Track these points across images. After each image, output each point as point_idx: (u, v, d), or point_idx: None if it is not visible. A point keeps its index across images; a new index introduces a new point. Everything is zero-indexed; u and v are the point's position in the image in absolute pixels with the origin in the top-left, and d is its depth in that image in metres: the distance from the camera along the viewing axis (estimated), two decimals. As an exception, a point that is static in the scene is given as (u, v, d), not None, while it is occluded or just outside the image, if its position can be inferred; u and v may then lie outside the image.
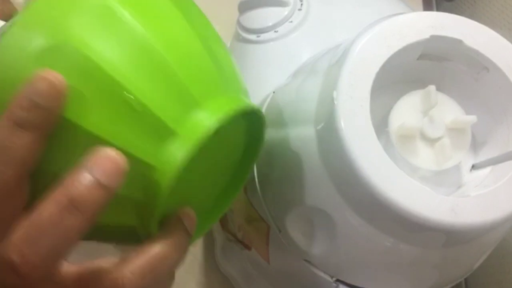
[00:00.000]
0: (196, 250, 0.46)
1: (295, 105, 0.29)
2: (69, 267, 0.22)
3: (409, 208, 0.22)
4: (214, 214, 0.27)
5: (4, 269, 0.18)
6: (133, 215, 0.22)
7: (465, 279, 0.46)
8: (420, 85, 0.26)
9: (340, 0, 0.40)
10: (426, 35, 0.24)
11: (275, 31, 0.38)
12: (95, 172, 0.18)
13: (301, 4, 0.38)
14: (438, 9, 0.59)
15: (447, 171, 0.25)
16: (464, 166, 0.26)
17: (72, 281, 0.21)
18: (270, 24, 0.38)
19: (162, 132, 0.20)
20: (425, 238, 0.24)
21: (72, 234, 0.18)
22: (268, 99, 0.33)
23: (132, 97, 0.20)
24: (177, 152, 0.20)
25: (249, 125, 0.26)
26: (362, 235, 0.25)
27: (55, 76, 0.19)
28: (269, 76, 0.37)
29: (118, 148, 0.19)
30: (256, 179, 0.30)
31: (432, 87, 0.25)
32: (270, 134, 0.31)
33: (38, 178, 0.20)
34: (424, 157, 0.25)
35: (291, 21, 0.38)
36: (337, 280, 0.28)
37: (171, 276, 0.24)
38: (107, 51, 0.20)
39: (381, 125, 0.26)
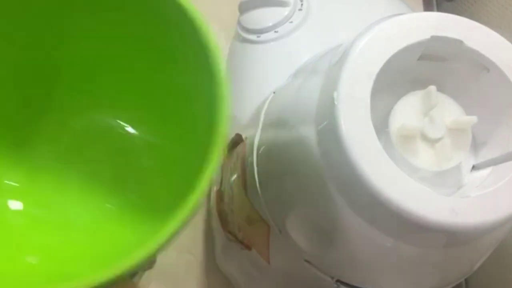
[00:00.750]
0: (196, 250, 0.46)
1: (296, 105, 0.29)
2: None
3: (409, 208, 0.22)
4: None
5: None
6: None
7: (466, 280, 0.46)
8: (420, 86, 0.26)
9: (341, 0, 0.40)
10: (426, 35, 0.24)
11: (275, 31, 0.38)
12: None
13: (302, 4, 0.38)
14: (438, 10, 0.59)
15: (447, 172, 0.25)
16: (465, 166, 0.26)
17: None
18: (270, 24, 0.38)
19: None
20: (425, 238, 0.24)
21: None
22: (268, 100, 0.33)
23: None
24: None
25: None
26: (362, 235, 0.25)
27: None
28: (270, 76, 0.37)
29: None
30: (257, 179, 0.30)
31: (432, 88, 0.25)
32: (270, 134, 0.31)
33: None
34: (425, 157, 0.25)
35: (292, 21, 0.38)
36: (338, 281, 0.28)
37: None
38: None
39: (381, 125, 0.26)
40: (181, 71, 0.28)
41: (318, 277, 0.29)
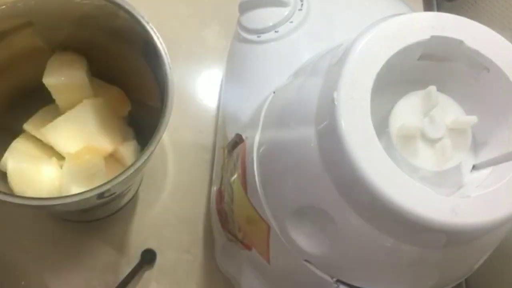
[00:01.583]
0: (196, 250, 0.46)
1: (296, 105, 0.29)
2: None
3: (410, 208, 0.22)
4: None
5: None
6: None
7: (466, 280, 0.46)
8: (420, 86, 0.26)
9: (341, 0, 0.40)
10: (426, 35, 0.24)
11: (275, 31, 0.38)
12: None
13: (302, 4, 0.38)
14: (438, 10, 0.59)
15: (447, 172, 0.25)
16: (465, 166, 0.26)
17: None
18: (271, 24, 0.38)
19: None
20: (426, 238, 0.24)
21: None
22: (269, 99, 0.33)
23: None
24: None
25: None
26: (362, 235, 0.25)
27: None
28: (270, 76, 0.37)
29: None
30: (257, 179, 0.30)
31: (432, 88, 0.25)
32: (271, 134, 0.31)
33: None
34: (425, 157, 0.25)
35: (292, 21, 0.38)
36: (338, 281, 0.28)
37: None
38: None
39: (381, 125, 0.26)
40: None
41: (318, 277, 0.29)
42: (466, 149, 0.25)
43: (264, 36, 0.38)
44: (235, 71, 0.43)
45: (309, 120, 0.26)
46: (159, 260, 0.45)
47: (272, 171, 0.30)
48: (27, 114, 0.42)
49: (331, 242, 0.26)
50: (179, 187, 0.48)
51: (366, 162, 0.22)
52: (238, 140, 0.36)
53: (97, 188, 0.31)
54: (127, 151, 0.41)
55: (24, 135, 0.41)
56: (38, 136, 0.41)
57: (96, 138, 0.40)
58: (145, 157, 0.33)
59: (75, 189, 0.37)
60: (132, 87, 0.43)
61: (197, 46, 0.54)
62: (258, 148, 0.31)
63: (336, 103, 0.23)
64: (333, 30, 0.37)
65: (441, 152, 0.24)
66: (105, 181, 0.32)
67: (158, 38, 0.35)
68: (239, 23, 0.41)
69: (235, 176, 0.35)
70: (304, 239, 0.28)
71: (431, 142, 0.25)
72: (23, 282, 0.43)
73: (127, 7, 0.36)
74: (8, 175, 0.39)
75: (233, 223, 0.37)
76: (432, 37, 0.24)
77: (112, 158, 0.41)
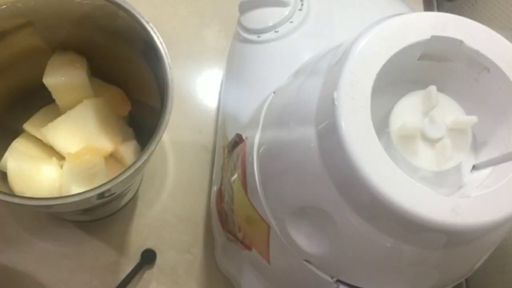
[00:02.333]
0: (196, 250, 0.46)
1: (296, 105, 0.29)
2: None
3: (410, 208, 0.22)
4: None
5: None
6: None
7: (466, 280, 0.46)
8: (420, 86, 0.26)
9: (341, 0, 0.40)
10: (426, 35, 0.24)
11: (275, 31, 0.38)
12: None
13: (302, 4, 0.38)
14: (438, 10, 0.59)
15: (447, 172, 0.25)
16: (465, 166, 0.26)
17: None
18: (271, 24, 0.38)
19: None
20: (426, 238, 0.24)
21: None
22: (269, 99, 0.33)
23: None
24: None
25: None
26: (362, 235, 0.25)
27: None
28: (270, 76, 0.37)
29: None
30: (257, 179, 0.30)
31: (432, 88, 0.25)
32: (271, 134, 0.31)
33: None
34: (425, 157, 0.25)
35: (292, 21, 0.38)
36: (338, 281, 0.28)
37: None
38: None
39: (381, 125, 0.26)
40: None
41: (318, 277, 0.29)
42: (466, 149, 0.25)
43: (264, 36, 0.38)
44: (235, 71, 0.43)
45: (309, 120, 0.26)
46: (159, 260, 0.45)
47: (272, 171, 0.30)
48: (27, 114, 0.42)
49: (331, 242, 0.26)
50: (179, 187, 0.48)
51: (366, 162, 0.22)
52: (238, 140, 0.36)
53: (97, 188, 0.31)
54: (127, 151, 0.41)
55: (24, 135, 0.41)
56: (38, 136, 0.41)
57: (96, 138, 0.40)
58: (145, 157, 0.33)
59: (75, 189, 0.37)
60: (132, 87, 0.43)
61: (197, 46, 0.54)
62: (258, 148, 0.31)
63: (336, 103, 0.23)
64: (333, 30, 0.37)
65: (441, 152, 0.24)
66: (105, 181, 0.32)
67: (158, 38, 0.35)
68: (239, 23, 0.41)
69: (235, 176, 0.35)
70: (304, 239, 0.28)
71: (431, 142, 0.25)
72: (23, 282, 0.43)
73: (127, 7, 0.36)
74: (8, 175, 0.39)
75: (233, 223, 0.37)
76: (432, 37, 0.24)
77: (112, 158, 0.41)
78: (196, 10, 0.56)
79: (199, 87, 0.53)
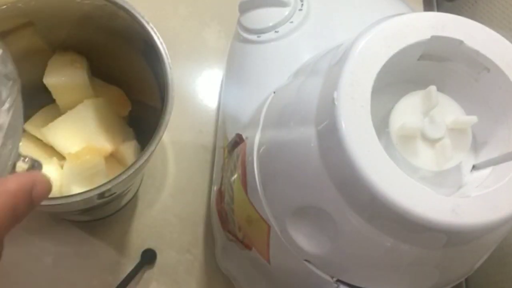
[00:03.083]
0: (196, 250, 0.46)
1: (296, 105, 0.29)
2: None
3: (410, 208, 0.22)
4: None
5: None
6: None
7: (466, 280, 0.46)
8: (420, 86, 0.26)
9: (341, 0, 0.40)
10: (426, 35, 0.24)
11: (275, 32, 0.38)
12: None
13: (302, 5, 0.38)
14: (438, 10, 0.59)
15: (447, 172, 0.25)
16: (465, 166, 0.26)
17: None
18: (271, 24, 0.38)
19: None
20: (426, 238, 0.24)
21: None
22: (269, 99, 0.33)
23: None
24: None
25: None
26: (362, 235, 0.25)
27: None
28: (270, 76, 0.37)
29: None
30: (257, 179, 0.30)
31: (432, 88, 0.25)
32: (271, 134, 0.31)
33: None
34: (425, 157, 0.25)
35: (292, 22, 0.38)
36: (338, 280, 0.28)
37: None
38: None
39: (381, 125, 0.26)
40: None
41: (318, 276, 0.29)
42: (466, 149, 0.25)
43: (264, 36, 0.38)
44: (235, 71, 0.43)
45: (309, 120, 0.26)
46: (159, 260, 0.45)
47: (272, 171, 0.30)
48: (27, 114, 0.42)
49: (331, 242, 0.26)
50: (179, 187, 0.48)
51: (366, 162, 0.22)
52: (238, 140, 0.36)
53: (98, 188, 0.31)
54: (127, 151, 0.41)
55: (24, 135, 0.41)
56: (38, 136, 0.41)
57: (97, 138, 0.40)
58: (145, 157, 0.33)
59: (75, 189, 0.37)
60: (132, 87, 0.43)
61: (197, 46, 0.54)
62: (259, 148, 0.31)
63: (336, 103, 0.23)
64: (333, 30, 0.37)
65: (441, 152, 0.24)
66: (106, 181, 0.32)
67: (158, 38, 0.35)
68: (239, 23, 0.41)
69: (235, 176, 0.35)
70: (304, 239, 0.28)
71: (431, 142, 0.25)
72: (23, 282, 0.43)
73: (127, 7, 0.36)
74: (9, 175, 0.39)
75: (233, 223, 0.37)
76: (432, 37, 0.24)
77: (112, 158, 0.41)
78: (196, 10, 0.56)
79: (199, 87, 0.53)
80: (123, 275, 0.43)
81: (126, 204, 0.46)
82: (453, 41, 0.25)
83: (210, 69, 0.54)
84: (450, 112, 0.25)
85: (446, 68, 0.26)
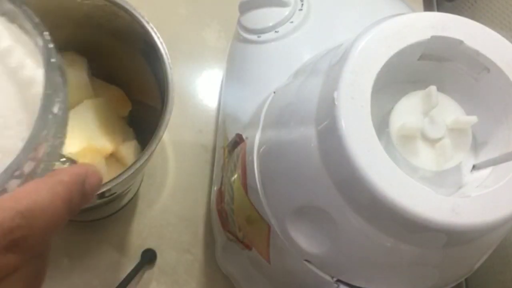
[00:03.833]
0: (196, 250, 0.46)
1: (296, 105, 0.29)
2: None
3: (410, 208, 0.22)
4: None
5: None
6: None
7: (466, 279, 0.46)
8: (420, 86, 0.26)
9: (341, 0, 0.40)
10: (426, 35, 0.24)
11: (275, 32, 0.38)
12: None
13: (302, 5, 0.38)
14: (438, 10, 0.59)
15: (447, 172, 0.25)
16: (465, 166, 0.26)
17: None
18: (271, 24, 0.38)
19: None
20: (426, 238, 0.24)
21: None
22: (269, 99, 0.33)
23: None
24: None
25: None
26: (362, 235, 0.25)
27: None
28: (270, 76, 0.37)
29: None
30: (257, 179, 0.30)
31: (433, 88, 0.25)
32: (271, 134, 0.31)
33: None
34: (425, 157, 0.25)
35: (292, 22, 0.38)
36: (338, 280, 0.28)
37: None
38: None
39: (381, 125, 0.26)
40: None
41: (318, 276, 0.29)
42: (466, 149, 0.25)
43: (264, 36, 0.38)
44: (235, 71, 0.43)
45: (309, 120, 0.26)
46: (159, 260, 0.45)
47: (272, 171, 0.30)
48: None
49: (331, 242, 0.26)
50: (179, 187, 0.48)
51: (366, 162, 0.22)
52: (238, 140, 0.36)
53: (98, 188, 0.31)
54: (127, 151, 0.41)
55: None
56: (38, 136, 0.41)
57: (97, 138, 0.40)
58: (145, 157, 0.33)
59: (75, 189, 0.37)
60: (132, 87, 0.43)
61: (197, 46, 0.54)
62: (259, 148, 0.31)
63: (336, 103, 0.23)
64: (333, 30, 0.37)
65: (441, 152, 0.25)
66: (106, 181, 0.32)
67: (158, 38, 0.35)
68: (239, 23, 0.41)
69: (235, 176, 0.35)
70: (304, 239, 0.28)
71: (431, 142, 0.25)
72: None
73: (127, 7, 0.36)
74: (9, 175, 0.39)
75: (233, 222, 0.37)
76: (432, 37, 0.24)
77: (112, 158, 0.41)
78: (196, 10, 0.56)
79: (199, 87, 0.53)
80: (123, 275, 0.43)
81: (126, 204, 0.46)
82: (453, 41, 0.25)
83: (210, 69, 0.54)
84: (450, 112, 0.25)
85: (446, 68, 0.26)
